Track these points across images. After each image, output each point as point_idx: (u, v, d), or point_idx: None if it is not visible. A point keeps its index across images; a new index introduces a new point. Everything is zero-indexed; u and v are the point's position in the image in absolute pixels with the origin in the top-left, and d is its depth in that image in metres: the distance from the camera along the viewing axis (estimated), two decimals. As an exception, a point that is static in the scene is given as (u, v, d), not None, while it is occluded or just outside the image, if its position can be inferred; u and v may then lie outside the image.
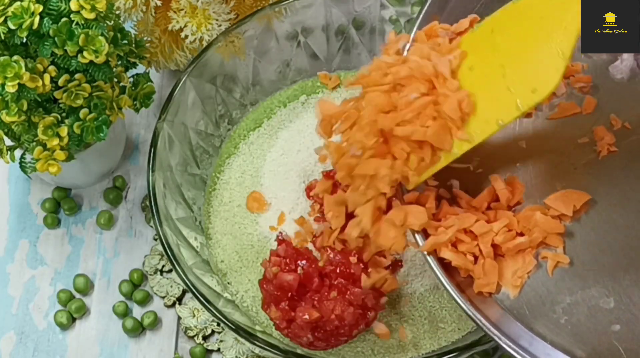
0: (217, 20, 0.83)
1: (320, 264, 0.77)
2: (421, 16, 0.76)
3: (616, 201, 0.72)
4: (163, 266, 0.89)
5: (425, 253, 0.71)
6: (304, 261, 0.78)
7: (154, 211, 0.80)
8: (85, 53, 0.76)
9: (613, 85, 0.76)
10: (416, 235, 0.71)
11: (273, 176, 0.87)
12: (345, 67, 0.94)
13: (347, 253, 0.77)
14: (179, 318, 0.87)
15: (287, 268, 0.77)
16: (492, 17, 0.70)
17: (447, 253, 0.70)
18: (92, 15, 0.75)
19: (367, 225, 0.71)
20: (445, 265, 0.71)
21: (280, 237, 0.81)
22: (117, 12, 0.82)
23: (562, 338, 0.68)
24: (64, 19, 0.75)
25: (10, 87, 0.74)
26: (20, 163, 0.83)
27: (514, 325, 0.69)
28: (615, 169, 0.73)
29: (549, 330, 0.69)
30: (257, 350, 0.83)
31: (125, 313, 0.87)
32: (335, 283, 0.76)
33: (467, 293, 0.70)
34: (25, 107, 0.76)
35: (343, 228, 0.76)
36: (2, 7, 0.75)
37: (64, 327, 0.87)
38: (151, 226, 0.92)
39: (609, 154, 0.73)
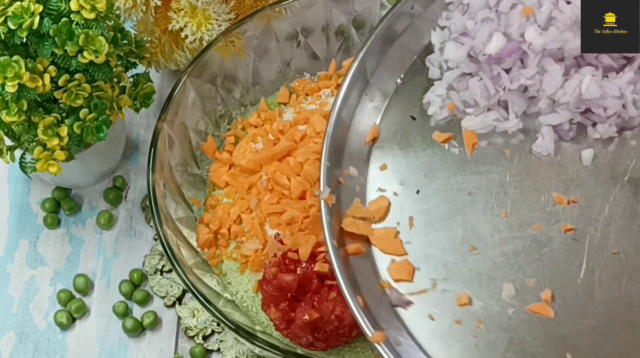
0: (217, 20, 0.83)
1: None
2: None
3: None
4: (163, 266, 0.89)
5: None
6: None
7: (154, 211, 0.80)
8: (85, 53, 0.76)
9: (543, 163, 0.75)
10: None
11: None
12: (346, 68, 0.94)
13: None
14: (179, 318, 0.87)
15: (286, 268, 0.77)
16: None
17: None
18: (92, 15, 0.75)
19: None
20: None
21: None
22: (117, 12, 0.82)
23: None
24: (64, 19, 0.75)
25: (10, 87, 0.74)
26: (20, 163, 0.83)
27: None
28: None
29: None
30: (257, 350, 0.83)
31: (125, 313, 0.87)
32: (335, 283, 0.76)
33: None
34: (25, 107, 0.76)
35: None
36: (2, 7, 0.75)
37: (64, 327, 0.87)
38: (151, 226, 0.92)
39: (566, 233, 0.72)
